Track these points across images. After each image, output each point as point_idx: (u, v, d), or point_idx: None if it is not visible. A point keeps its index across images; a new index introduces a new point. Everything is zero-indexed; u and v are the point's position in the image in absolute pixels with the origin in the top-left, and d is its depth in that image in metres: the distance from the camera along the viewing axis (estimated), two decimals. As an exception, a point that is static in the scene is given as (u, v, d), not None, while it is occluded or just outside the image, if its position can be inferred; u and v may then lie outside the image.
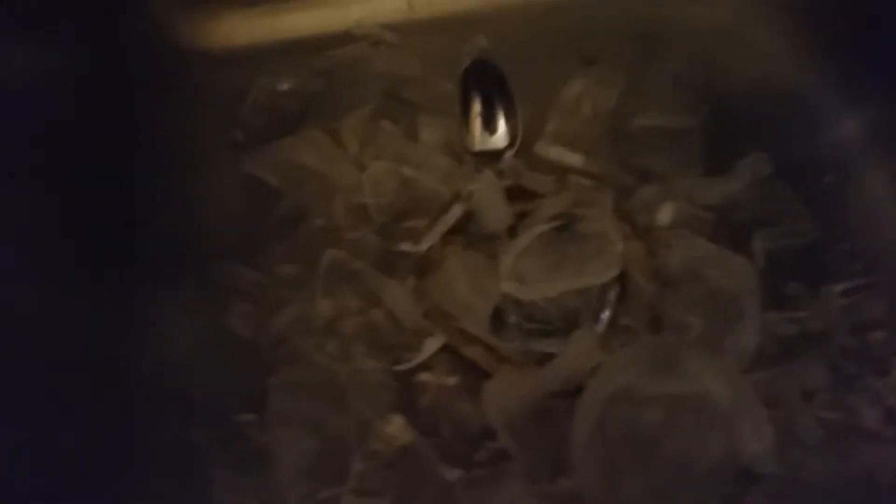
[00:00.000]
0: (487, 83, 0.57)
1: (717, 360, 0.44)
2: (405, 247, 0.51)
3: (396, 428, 0.43)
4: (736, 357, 0.45)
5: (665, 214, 0.52)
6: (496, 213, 0.52)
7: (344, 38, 0.61)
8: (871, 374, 0.46)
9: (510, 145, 0.56)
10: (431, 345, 0.48)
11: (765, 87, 0.58)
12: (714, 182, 0.53)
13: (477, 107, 0.56)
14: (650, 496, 0.41)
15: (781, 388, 0.44)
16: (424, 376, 0.48)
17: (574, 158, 0.55)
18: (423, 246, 0.51)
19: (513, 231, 0.51)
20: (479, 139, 0.56)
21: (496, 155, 0.56)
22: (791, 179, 0.53)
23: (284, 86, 0.60)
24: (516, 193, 0.53)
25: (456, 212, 0.52)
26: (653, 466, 0.41)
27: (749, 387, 0.42)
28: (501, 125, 0.56)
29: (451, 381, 0.48)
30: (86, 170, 0.51)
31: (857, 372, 0.46)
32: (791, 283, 0.49)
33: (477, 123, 0.56)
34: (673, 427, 0.42)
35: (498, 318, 0.49)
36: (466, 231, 0.53)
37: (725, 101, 0.57)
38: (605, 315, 0.49)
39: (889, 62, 0.53)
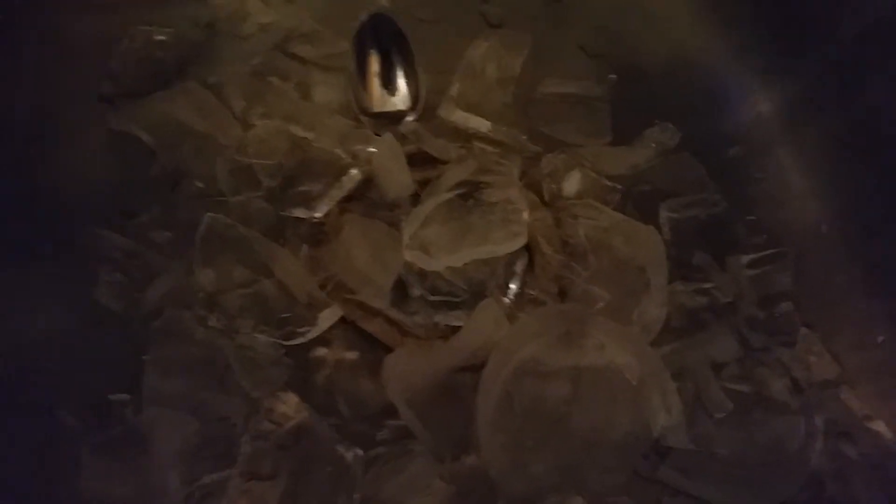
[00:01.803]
0: (386, 40, 0.56)
1: (624, 331, 0.45)
2: (298, 213, 0.50)
3: (289, 406, 0.42)
4: (644, 328, 0.46)
5: (572, 183, 0.53)
6: (398, 180, 0.51)
7: (230, -14, 0.59)
8: (779, 346, 0.49)
9: (411, 107, 0.55)
10: (327, 318, 0.47)
11: (672, 58, 0.60)
12: (621, 152, 0.55)
13: (375, 65, 0.55)
14: (558, 473, 0.42)
15: (690, 360, 0.46)
16: (320, 352, 0.47)
17: (479, 124, 0.55)
18: (319, 212, 0.50)
19: (415, 199, 0.51)
20: (378, 100, 0.55)
21: (397, 117, 0.55)
22: (698, 151, 0.55)
23: (161, 36, 0.57)
24: (419, 159, 0.53)
25: (354, 176, 0.51)
26: (561, 442, 0.42)
27: (658, 358, 0.44)
28: (402, 86, 0.55)
29: (350, 356, 0.47)
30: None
31: (765, 343, 0.49)
32: (698, 254, 0.51)
33: (375, 83, 0.55)
34: (580, 400, 0.42)
35: (400, 290, 0.48)
36: (365, 198, 0.52)
37: (633, 72, 0.59)
38: (513, 286, 0.49)
39: (796, 38, 0.56)
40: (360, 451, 0.42)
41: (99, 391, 0.44)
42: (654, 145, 0.55)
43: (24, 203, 0.49)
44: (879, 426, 0.47)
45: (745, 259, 0.50)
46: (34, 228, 0.49)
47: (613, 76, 0.59)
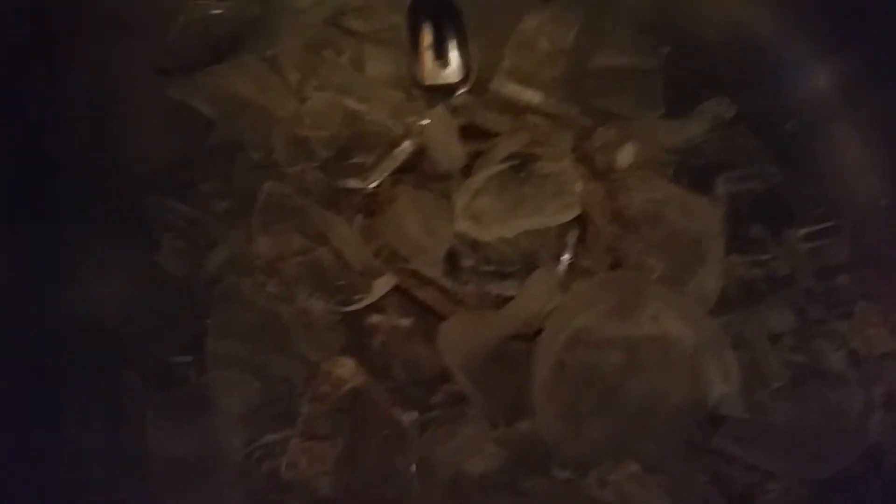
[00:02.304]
0: (438, 14, 0.56)
1: (680, 301, 0.45)
2: (352, 183, 0.51)
3: (346, 370, 0.43)
4: (700, 300, 0.46)
5: (625, 156, 0.52)
6: (449, 152, 0.52)
7: (284, -38, 0.60)
8: (836, 318, 0.48)
9: (464, 80, 0.55)
10: (382, 286, 0.47)
11: (728, 30, 0.59)
12: (676, 124, 0.54)
13: (427, 38, 0.55)
14: (613, 439, 0.42)
15: (747, 331, 0.46)
16: (375, 318, 0.47)
17: (531, 96, 0.55)
18: (371, 182, 0.51)
19: (467, 171, 0.51)
20: (431, 72, 0.55)
21: (449, 90, 0.55)
22: (754, 124, 0.54)
23: (217, 10, 0.58)
24: (471, 132, 0.53)
25: (406, 148, 0.52)
26: (615, 409, 0.42)
27: (715, 327, 0.44)
28: (454, 59, 0.55)
29: (404, 323, 0.47)
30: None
31: (822, 315, 0.48)
32: (754, 227, 0.50)
33: (428, 56, 0.55)
34: (634, 370, 0.43)
35: (453, 260, 0.49)
36: (418, 169, 0.52)
37: (687, 43, 0.58)
38: (565, 257, 0.49)
39: (854, 11, 0.55)
40: (415, 415, 0.43)
41: (163, 353, 0.45)
42: (709, 118, 0.54)
43: (91, 173, 0.51)
44: None
45: (802, 232, 0.50)
46: (100, 197, 0.50)
47: (667, 48, 0.58)
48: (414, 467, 0.41)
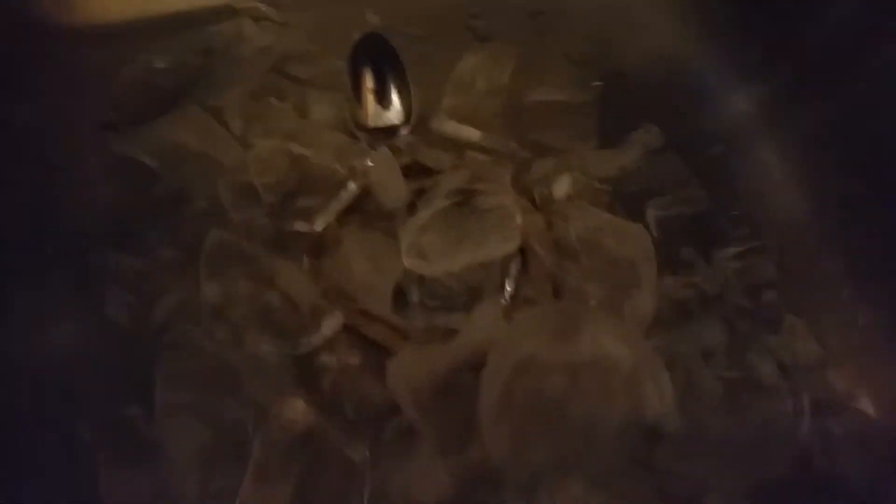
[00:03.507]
0: (379, 58, 0.58)
1: (616, 324, 0.46)
2: (299, 227, 0.51)
3: (296, 411, 0.43)
4: (635, 322, 0.48)
5: (562, 187, 0.54)
6: (394, 191, 0.53)
7: (224, 12, 0.61)
8: (765, 332, 0.50)
9: (405, 121, 0.57)
10: (331, 325, 0.48)
11: (654, 62, 0.62)
12: (608, 154, 0.57)
13: (369, 82, 0.57)
14: (558, 460, 0.43)
15: (681, 349, 0.47)
16: (325, 358, 0.48)
17: (471, 133, 0.57)
18: (319, 225, 0.51)
19: (412, 208, 0.52)
20: (373, 115, 0.56)
21: (391, 131, 0.57)
22: (682, 151, 0.57)
23: (161, 63, 0.59)
24: (414, 170, 0.55)
25: (352, 190, 0.53)
26: (559, 431, 0.43)
27: (650, 348, 0.45)
28: (395, 101, 0.57)
29: (354, 360, 0.48)
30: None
31: (752, 330, 0.50)
32: (684, 249, 0.53)
33: (370, 99, 0.56)
34: (577, 392, 0.44)
35: (400, 296, 0.50)
36: (363, 209, 0.53)
37: (617, 77, 0.61)
38: (509, 287, 0.50)
39: (771, 37, 0.58)
40: (366, 451, 0.43)
41: (114, 405, 0.45)
42: (639, 147, 0.56)
43: (35, 227, 0.51)
44: (863, 403, 0.49)
45: (730, 252, 0.52)
46: (46, 251, 0.50)
47: (599, 82, 0.60)
48: (366, 502, 0.42)
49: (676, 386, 0.45)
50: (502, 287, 0.51)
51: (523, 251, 0.52)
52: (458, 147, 0.57)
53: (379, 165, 0.53)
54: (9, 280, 0.48)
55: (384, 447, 0.44)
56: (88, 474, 0.42)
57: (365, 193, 0.53)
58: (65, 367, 0.47)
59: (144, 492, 0.42)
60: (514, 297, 0.50)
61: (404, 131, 0.57)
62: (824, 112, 0.56)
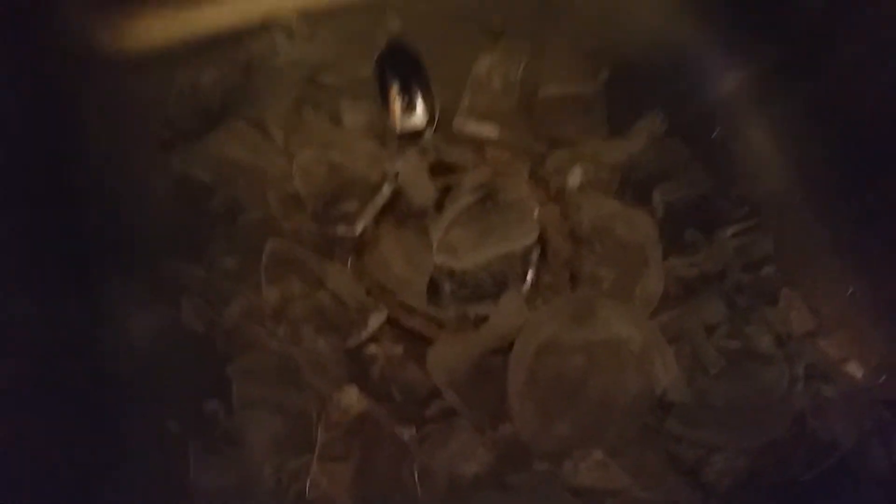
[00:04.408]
0: (403, 66, 0.61)
1: (625, 307, 0.51)
2: (341, 231, 0.56)
3: (352, 398, 0.48)
4: (645, 300, 0.52)
5: (575, 177, 0.58)
6: (422, 190, 0.57)
7: (259, 28, 0.64)
8: (763, 305, 0.53)
9: (429, 123, 0.60)
10: (376, 319, 0.53)
11: (657, 51, 0.64)
12: (616, 143, 0.59)
13: (395, 89, 0.60)
14: (580, 432, 0.48)
15: (686, 325, 0.52)
16: (372, 348, 0.53)
17: (490, 131, 0.60)
18: (358, 228, 0.56)
19: (440, 205, 0.56)
20: (400, 121, 0.60)
21: (417, 134, 0.60)
22: (684, 135, 0.59)
23: (205, 80, 0.63)
24: (439, 169, 0.59)
25: (385, 193, 0.57)
26: (580, 406, 0.48)
27: (655, 328, 0.49)
28: (420, 105, 0.60)
29: (397, 350, 0.53)
30: (29, 179, 0.54)
31: (751, 304, 0.53)
32: (688, 231, 0.56)
33: (397, 106, 0.60)
34: (594, 370, 0.48)
35: (434, 288, 0.54)
36: (396, 209, 0.58)
37: (623, 66, 0.63)
38: (530, 275, 0.55)
39: (760, 20, 0.61)
40: (413, 430, 0.48)
41: (196, 401, 0.50)
42: (645, 134, 0.59)
43: (113, 244, 0.57)
44: (852, 367, 0.52)
45: (729, 231, 0.55)
46: (127, 263, 0.56)
47: (606, 72, 0.63)
48: (416, 475, 0.47)
49: (683, 358, 0.50)
50: (525, 275, 0.55)
51: (542, 241, 0.56)
52: (478, 144, 0.60)
53: (407, 168, 0.57)
54: (95, 291, 0.54)
55: (428, 426, 0.49)
56: (180, 463, 0.48)
57: (397, 194, 0.57)
58: (150, 370, 0.52)
59: (230, 476, 0.48)
60: (535, 284, 0.55)
61: (429, 132, 0.60)
62: (810, 90, 0.58)
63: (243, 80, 0.63)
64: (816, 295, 0.54)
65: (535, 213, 0.55)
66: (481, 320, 0.53)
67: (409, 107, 0.60)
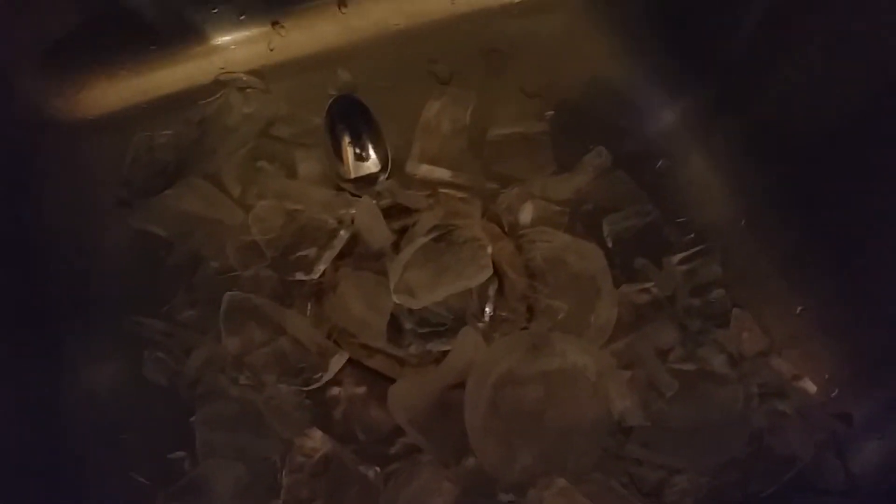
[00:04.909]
0: (353, 115, 0.62)
1: (579, 338, 0.51)
2: (299, 276, 0.56)
3: (315, 441, 0.49)
4: (600, 329, 0.53)
5: (526, 214, 0.59)
6: (378, 233, 0.58)
7: (212, 86, 0.66)
8: (714, 327, 0.55)
9: (382, 169, 0.61)
10: (336, 362, 0.53)
11: (599, 90, 0.67)
12: (564, 179, 0.61)
13: (346, 138, 0.60)
14: (542, 461, 0.48)
15: (640, 350, 0.52)
16: (334, 391, 0.53)
17: (441, 173, 0.62)
18: (316, 273, 0.56)
19: (396, 247, 0.57)
20: (353, 167, 0.61)
21: (371, 179, 0.61)
22: (629, 168, 0.61)
23: (160, 140, 0.64)
24: (395, 211, 0.60)
25: (342, 237, 0.57)
26: (541, 435, 0.48)
27: (608, 356, 0.50)
28: (371, 152, 0.61)
29: (360, 391, 0.53)
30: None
31: (703, 327, 0.55)
32: (638, 259, 0.57)
33: (349, 153, 0.60)
34: (552, 399, 0.49)
35: (395, 326, 0.55)
36: (354, 253, 0.58)
37: (567, 105, 0.66)
38: (488, 310, 0.56)
39: (694, 57, 0.63)
40: (377, 469, 0.48)
41: (162, 451, 0.50)
42: (591, 169, 0.61)
43: (74, 301, 0.57)
44: (805, 383, 0.53)
45: (677, 257, 0.57)
46: (90, 320, 0.56)
47: (551, 112, 0.65)
48: (383, 514, 0.47)
49: (638, 383, 0.51)
50: (483, 310, 0.56)
51: (498, 275, 0.57)
52: (431, 186, 0.61)
53: (362, 212, 0.57)
54: (57, 348, 0.55)
55: (393, 464, 0.49)
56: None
57: (354, 238, 0.58)
58: (114, 424, 0.52)
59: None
60: (492, 318, 0.56)
61: (382, 178, 0.61)
62: (744, 122, 0.61)
63: (198, 137, 0.64)
64: (766, 315, 0.55)
65: (489, 250, 0.56)
66: (442, 356, 0.53)
67: (361, 154, 0.61)
